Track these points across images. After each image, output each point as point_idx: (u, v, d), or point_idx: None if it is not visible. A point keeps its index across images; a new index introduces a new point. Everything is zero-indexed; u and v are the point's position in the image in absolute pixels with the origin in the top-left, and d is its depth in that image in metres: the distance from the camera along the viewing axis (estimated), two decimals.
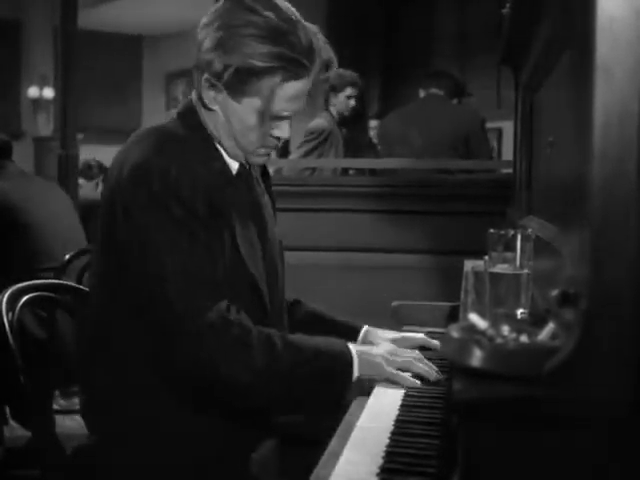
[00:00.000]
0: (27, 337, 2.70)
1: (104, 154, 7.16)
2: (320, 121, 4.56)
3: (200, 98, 1.49)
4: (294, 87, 1.44)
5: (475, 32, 7.73)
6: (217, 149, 1.52)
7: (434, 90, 4.10)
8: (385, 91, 8.83)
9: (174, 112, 1.54)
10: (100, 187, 5.86)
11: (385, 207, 3.10)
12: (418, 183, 3.21)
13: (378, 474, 1.04)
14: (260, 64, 1.40)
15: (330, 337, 1.49)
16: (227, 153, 1.53)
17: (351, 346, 1.47)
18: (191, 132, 1.49)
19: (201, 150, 1.48)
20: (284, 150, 4.62)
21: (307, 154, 4.41)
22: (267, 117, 1.46)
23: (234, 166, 1.55)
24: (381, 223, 3.10)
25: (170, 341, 1.37)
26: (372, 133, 6.66)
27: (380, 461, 1.09)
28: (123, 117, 10.76)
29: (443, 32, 8.36)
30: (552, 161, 1.54)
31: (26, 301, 1.68)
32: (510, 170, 2.80)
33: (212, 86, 1.45)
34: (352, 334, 1.72)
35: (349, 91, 4.56)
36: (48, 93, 9.82)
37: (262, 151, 1.53)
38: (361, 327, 1.76)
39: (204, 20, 1.46)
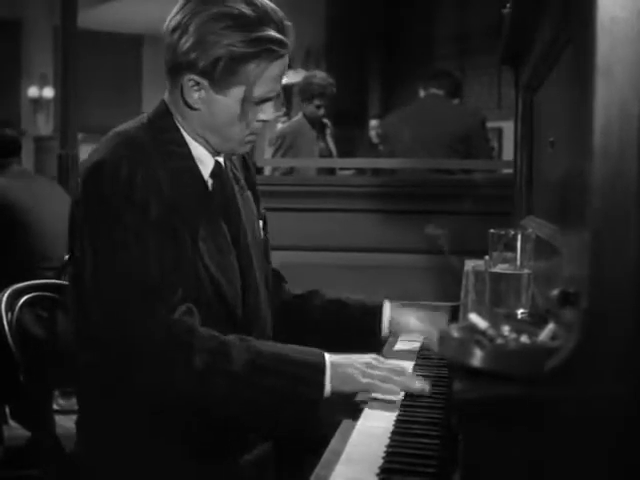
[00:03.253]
0: (27, 337, 2.70)
1: None
2: (280, 127, 4.68)
3: (183, 100, 1.48)
4: (278, 66, 1.46)
5: (475, 32, 7.73)
6: (190, 152, 1.51)
7: (434, 90, 4.11)
8: (385, 91, 8.83)
9: (145, 116, 1.54)
10: None
11: (385, 207, 3.10)
12: (418, 183, 3.21)
13: (378, 474, 1.04)
14: (245, 50, 1.42)
15: (308, 347, 1.41)
16: (211, 150, 1.52)
17: (327, 356, 1.38)
18: (159, 135, 1.49)
19: (165, 153, 1.47)
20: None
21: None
22: (252, 103, 1.47)
23: (209, 167, 1.53)
24: (381, 223, 3.10)
25: (107, 348, 1.36)
26: (372, 133, 6.67)
27: (380, 461, 1.08)
28: (123, 117, 10.73)
29: (443, 32, 8.37)
30: (552, 161, 1.54)
31: (26, 301, 1.68)
32: (510, 170, 2.80)
33: (196, 85, 1.45)
34: (372, 315, 1.72)
35: (317, 102, 4.62)
36: (48, 93, 9.83)
37: (249, 137, 1.52)
38: (382, 304, 1.74)
39: (172, 23, 1.45)
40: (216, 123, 1.48)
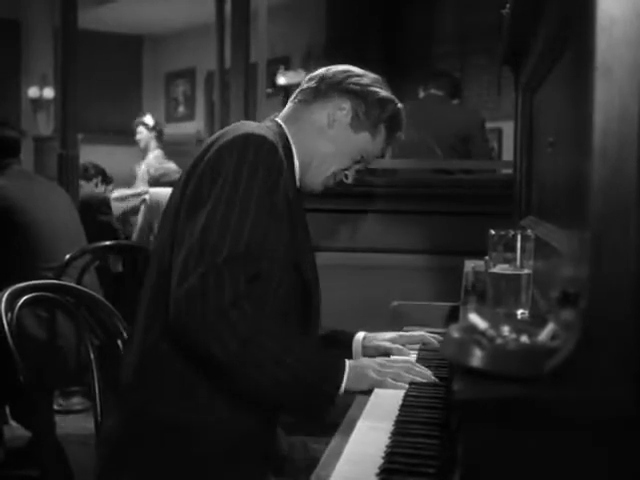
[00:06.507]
0: (27, 337, 2.70)
1: (104, 154, 7.16)
2: None
3: (327, 114, 1.65)
4: (389, 144, 1.73)
5: (475, 32, 7.72)
6: (293, 163, 1.64)
7: (434, 90, 4.11)
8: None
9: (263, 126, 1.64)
10: (99, 187, 5.84)
11: (385, 207, 3.10)
12: (418, 183, 3.21)
13: (378, 474, 1.04)
14: (397, 115, 1.71)
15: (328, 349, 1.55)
16: (300, 173, 1.66)
17: (347, 362, 1.49)
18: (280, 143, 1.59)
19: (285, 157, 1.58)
20: None
21: None
22: (359, 156, 1.68)
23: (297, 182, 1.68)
24: (381, 223, 3.10)
25: (181, 293, 1.40)
26: None
27: (380, 461, 1.08)
28: (123, 117, 10.74)
29: (443, 32, 8.36)
30: (552, 161, 1.54)
31: (25, 301, 1.68)
32: (510, 170, 2.80)
33: (344, 110, 1.64)
34: (347, 339, 1.79)
35: None
36: (48, 93, 9.81)
37: (328, 183, 1.69)
38: (355, 333, 1.80)
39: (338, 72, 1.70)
40: (328, 149, 1.65)
